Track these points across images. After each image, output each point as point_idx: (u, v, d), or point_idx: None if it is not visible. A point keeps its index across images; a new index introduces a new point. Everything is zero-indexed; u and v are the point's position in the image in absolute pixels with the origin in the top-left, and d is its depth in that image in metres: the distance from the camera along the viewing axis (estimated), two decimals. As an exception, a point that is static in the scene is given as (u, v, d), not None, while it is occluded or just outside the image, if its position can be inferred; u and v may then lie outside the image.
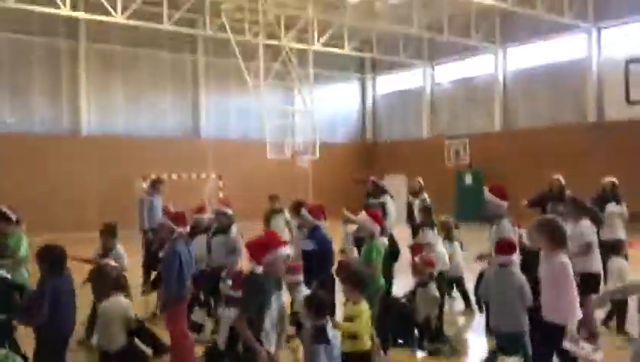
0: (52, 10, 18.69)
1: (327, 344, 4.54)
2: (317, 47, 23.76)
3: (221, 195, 23.40)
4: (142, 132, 24.42)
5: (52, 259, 5.39)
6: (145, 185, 13.48)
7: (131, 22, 19.64)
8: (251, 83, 20.66)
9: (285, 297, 5.05)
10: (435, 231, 8.89)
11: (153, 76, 24.98)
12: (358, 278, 5.39)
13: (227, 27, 20.77)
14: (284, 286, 5.10)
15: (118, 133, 23.82)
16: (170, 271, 6.07)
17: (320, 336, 4.53)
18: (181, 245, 6.21)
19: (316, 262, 6.83)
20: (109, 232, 7.44)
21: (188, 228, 6.52)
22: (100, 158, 22.60)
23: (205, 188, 23.76)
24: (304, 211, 7.33)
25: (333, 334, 4.67)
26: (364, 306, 5.24)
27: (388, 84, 31.13)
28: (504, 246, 5.69)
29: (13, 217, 7.27)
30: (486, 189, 6.67)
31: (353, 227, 9.24)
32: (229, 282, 5.54)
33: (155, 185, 11.47)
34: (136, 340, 6.38)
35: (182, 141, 25.06)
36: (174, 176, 22.56)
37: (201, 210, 8.66)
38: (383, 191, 10.19)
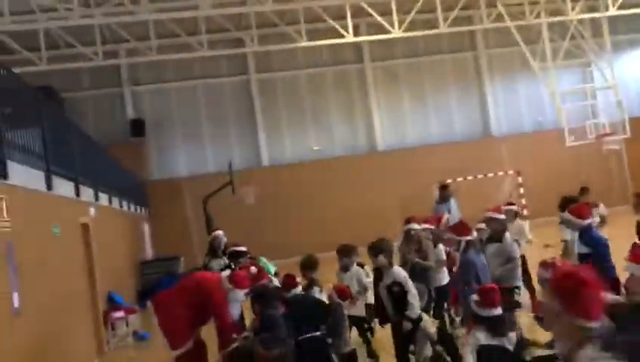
0: (339, 41, 20.18)
1: None
2: (612, 12, 20.93)
3: (521, 191, 22.14)
4: (432, 139, 24.64)
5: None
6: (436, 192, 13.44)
7: (409, 34, 20.02)
8: (538, 67, 19.16)
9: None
10: None
11: (436, 81, 25.03)
12: None
13: (505, 14, 19.72)
14: None
15: (410, 144, 24.43)
16: (466, 283, 5.79)
17: None
18: (473, 254, 5.92)
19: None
20: (343, 252, 7.26)
21: (474, 235, 6.11)
22: (396, 171, 23.36)
23: (503, 187, 22.78)
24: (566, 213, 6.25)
25: None
26: None
27: None
28: None
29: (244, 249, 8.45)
30: None
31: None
32: (474, 298, 4.61)
33: (442, 192, 11.38)
34: None
35: (473, 141, 24.51)
36: (470, 178, 22.12)
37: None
38: None
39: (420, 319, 5.75)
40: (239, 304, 6.66)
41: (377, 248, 5.98)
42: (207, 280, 6.29)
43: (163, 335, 6.09)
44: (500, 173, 23.19)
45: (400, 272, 6.02)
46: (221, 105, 23.63)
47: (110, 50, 20.70)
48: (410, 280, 5.98)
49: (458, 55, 25.23)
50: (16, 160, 7.07)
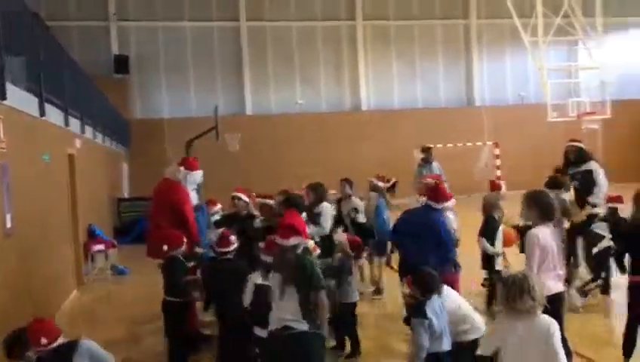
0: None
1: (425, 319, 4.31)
2: (605, -7, 21.12)
3: (498, 163, 22.58)
4: (416, 103, 24.81)
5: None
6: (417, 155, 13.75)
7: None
8: (528, 41, 19.34)
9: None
10: None
11: (426, 46, 25.07)
12: None
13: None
14: None
15: (394, 107, 24.56)
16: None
17: (417, 311, 4.39)
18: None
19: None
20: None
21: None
22: (377, 131, 23.51)
23: (481, 156, 23.17)
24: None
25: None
26: None
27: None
28: None
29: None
30: None
31: None
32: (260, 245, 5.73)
33: (424, 154, 11.71)
34: None
35: (456, 109, 24.77)
36: (449, 145, 22.40)
37: None
38: (588, 157, 8.12)
39: None
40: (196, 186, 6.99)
41: None
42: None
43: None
44: (479, 143, 23.57)
45: None
46: (209, 50, 23.32)
47: (99, -19, 20.19)
48: None
49: (450, 22, 25.24)
50: (14, 83, 7.05)
